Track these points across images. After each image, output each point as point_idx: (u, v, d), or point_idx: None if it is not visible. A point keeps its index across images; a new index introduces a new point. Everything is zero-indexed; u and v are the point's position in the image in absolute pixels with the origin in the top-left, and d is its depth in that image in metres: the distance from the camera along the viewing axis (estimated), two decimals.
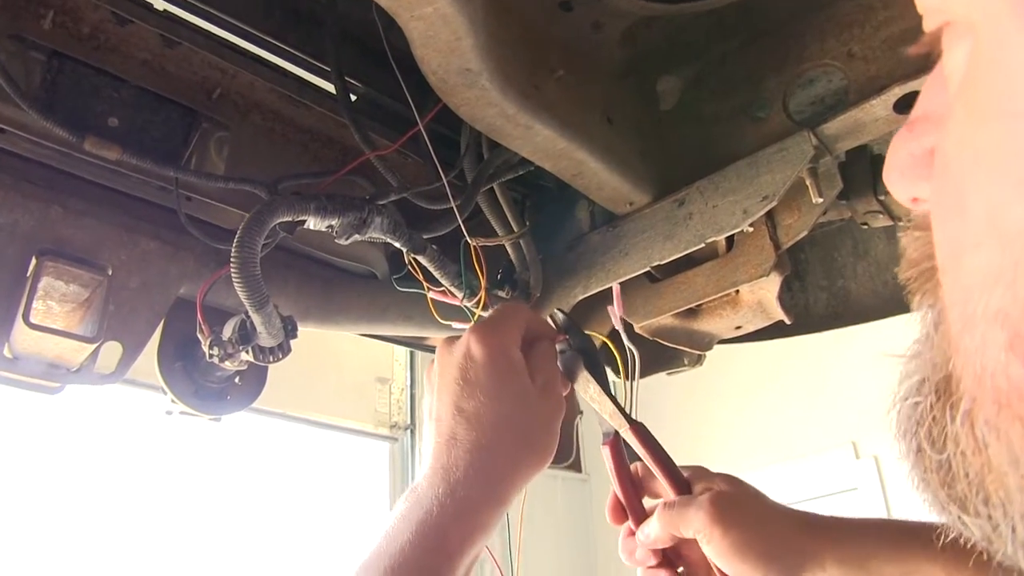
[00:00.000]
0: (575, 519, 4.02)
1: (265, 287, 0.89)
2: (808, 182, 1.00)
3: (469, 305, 1.06)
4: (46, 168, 0.95)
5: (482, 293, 1.02)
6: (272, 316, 0.92)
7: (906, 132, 0.36)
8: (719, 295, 1.14)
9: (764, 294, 1.14)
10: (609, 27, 1.04)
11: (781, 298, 1.13)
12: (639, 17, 1.04)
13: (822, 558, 0.77)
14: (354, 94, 1.14)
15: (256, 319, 0.92)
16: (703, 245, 1.05)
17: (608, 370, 0.85)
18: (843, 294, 1.37)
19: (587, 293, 1.18)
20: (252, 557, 2.94)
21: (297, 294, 1.15)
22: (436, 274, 1.05)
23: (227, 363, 0.98)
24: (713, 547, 0.76)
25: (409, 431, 3.64)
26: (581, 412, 1.36)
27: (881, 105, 0.92)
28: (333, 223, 0.94)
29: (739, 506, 0.78)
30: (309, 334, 1.17)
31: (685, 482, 0.82)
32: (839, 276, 1.37)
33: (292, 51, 1.07)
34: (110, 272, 0.97)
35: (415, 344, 1.49)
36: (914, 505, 0.35)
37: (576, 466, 1.37)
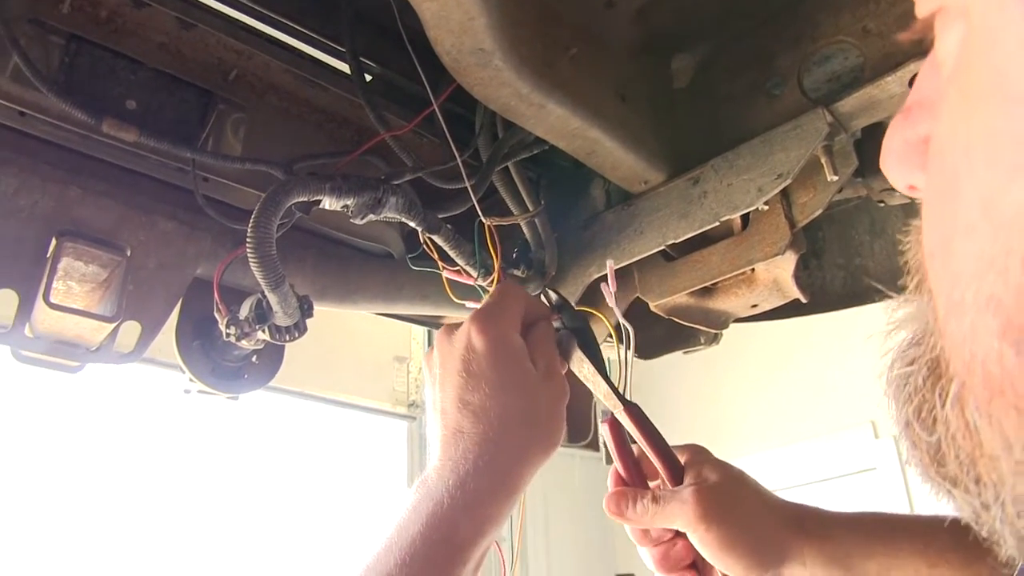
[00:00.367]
0: (593, 498, 4.03)
1: (281, 267, 0.89)
2: (823, 160, 0.99)
3: (484, 284, 1.07)
4: (65, 150, 0.96)
5: (496, 272, 1.03)
6: (288, 295, 0.93)
7: (902, 119, 0.35)
8: (734, 273, 1.14)
9: (780, 272, 1.14)
10: (622, 5, 1.04)
11: (797, 276, 1.13)
12: None
13: (803, 554, 0.79)
14: (369, 75, 1.14)
15: (272, 298, 0.93)
16: (718, 223, 1.05)
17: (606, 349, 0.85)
18: (860, 272, 1.36)
19: (602, 272, 1.18)
20: (270, 535, 2.97)
21: (314, 273, 1.16)
22: (451, 253, 1.05)
23: (244, 342, 0.99)
24: (698, 541, 0.78)
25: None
26: None
27: (896, 82, 0.91)
28: (349, 203, 0.95)
29: (724, 500, 0.79)
30: (326, 313, 1.18)
31: (679, 466, 0.83)
32: (856, 254, 1.36)
33: (308, 32, 1.07)
34: (128, 253, 0.98)
35: (431, 323, 1.49)
36: None
37: (594, 445, 1.37)
